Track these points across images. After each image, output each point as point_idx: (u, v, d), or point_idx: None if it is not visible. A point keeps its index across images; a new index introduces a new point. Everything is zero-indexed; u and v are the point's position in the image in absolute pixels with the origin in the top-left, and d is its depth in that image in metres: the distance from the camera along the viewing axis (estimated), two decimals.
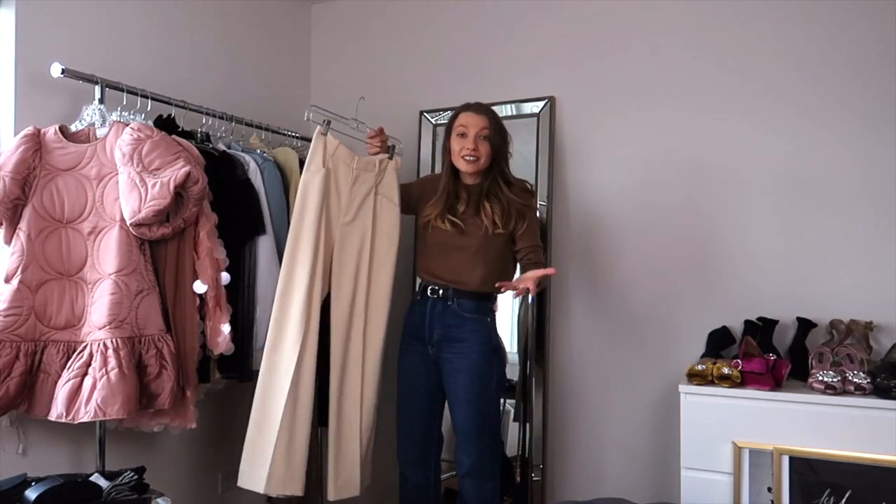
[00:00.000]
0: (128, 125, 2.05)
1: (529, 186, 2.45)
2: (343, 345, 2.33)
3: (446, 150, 2.39)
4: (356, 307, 2.35)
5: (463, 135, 2.33)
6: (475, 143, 2.31)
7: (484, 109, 2.38)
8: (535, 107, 2.87)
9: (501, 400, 2.55)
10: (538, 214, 2.53)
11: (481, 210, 2.31)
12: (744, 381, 2.21)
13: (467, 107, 2.39)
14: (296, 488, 2.21)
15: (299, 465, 2.21)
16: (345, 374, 2.34)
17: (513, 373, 2.82)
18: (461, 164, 2.33)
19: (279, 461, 2.18)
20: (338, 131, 2.41)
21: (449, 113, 2.93)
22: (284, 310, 2.23)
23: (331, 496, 2.33)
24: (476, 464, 2.31)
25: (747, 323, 2.47)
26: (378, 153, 2.44)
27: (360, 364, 2.36)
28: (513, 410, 2.81)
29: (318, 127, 2.33)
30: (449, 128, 2.39)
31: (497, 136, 2.34)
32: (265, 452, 2.18)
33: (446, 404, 2.40)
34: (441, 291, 2.34)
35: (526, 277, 2.19)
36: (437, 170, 2.94)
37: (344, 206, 2.34)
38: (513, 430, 2.79)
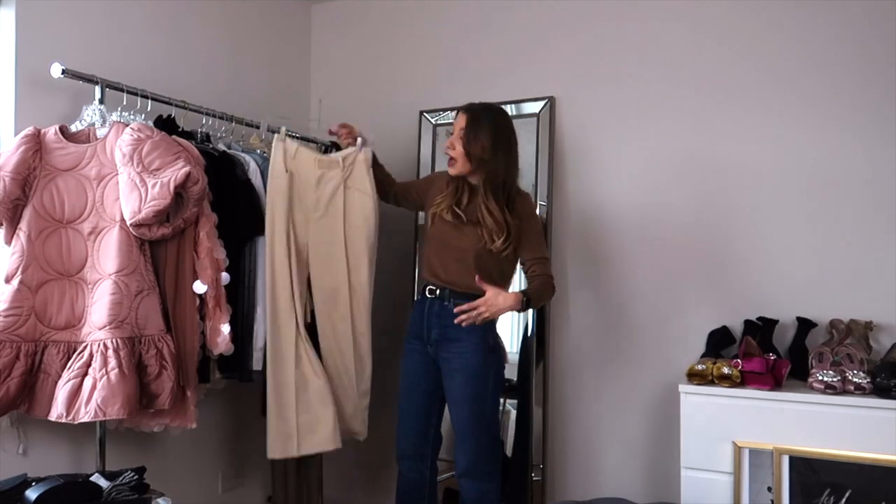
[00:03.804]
0: (128, 125, 2.05)
1: (527, 199, 2.41)
2: (330, 325, 2.50)
3: None
4: (339, 292, 2.50)
5: (451, 133, 2.37)
6: (451, 141, 2.34)
7: (468, 108, 2.33)
8: (535, 107, 2.87)
9: (501, 400, 2.54)
10: (539, 216, 2.53)
11: (480, 222, 2.27)
12: (744, 380, 2.21)
13: (462, 107, 2.38)
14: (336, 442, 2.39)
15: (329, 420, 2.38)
16: (336, 338, 2.52)
17: (512, 373, 2.83)
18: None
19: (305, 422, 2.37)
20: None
21: (449, 113, 2.94)
22: (275, 304, 2.37)
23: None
24: (472, 463, 2.31)
25: (747, 323, 2.47)
26: (349, 146, 2.57)
27: (350, 326, 2.52)
28: (514, 411, 2.82)
29: (276, 135, 2.47)
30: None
31: (476, 134, 2.27)
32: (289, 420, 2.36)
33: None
34: (438, 291, 2.34)
35: (490, 305, 2.19)
36: (438, 169, 2.95)
37: (312, 204, 2.48)
38: (512, 430, 2.80)
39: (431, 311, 2.35)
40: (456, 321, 2.20)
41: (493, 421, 2.39)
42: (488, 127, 2.29)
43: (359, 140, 2.55)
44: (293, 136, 2.84)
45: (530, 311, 2.76)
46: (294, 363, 2.36)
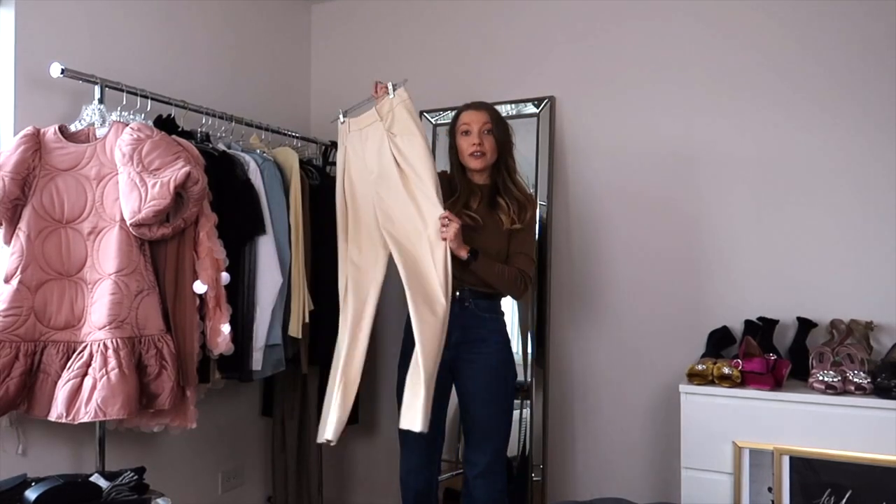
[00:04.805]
0: (127, 125, 2.05)
1: (531, 196, 2.46)
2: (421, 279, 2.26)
3: (453, 151, 2.41)
4: (420, 242, 2.28)
5: (467, 132, 2.35)
6: (480, 138, 2.33)
7: (484, 106, 2.40)
8: (535, 107, 2.87)
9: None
10: (538, 217, 2.52)
11: (497, 207, 2.33)
12: (744, 380, 2.21)
13: (467, 106, 2.41)
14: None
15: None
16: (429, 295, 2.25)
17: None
18: (470, 162, 2.36)
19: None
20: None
21: (449, 113, 2.94)
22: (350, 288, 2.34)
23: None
24: (490, 464, 2.30)
25: (747, 323, 2.47)
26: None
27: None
28: (519, 411, 2.81)
29: (339, 120, 2.48)
30: (452, 129, 2.41)
31: (499, 129, 2.37)
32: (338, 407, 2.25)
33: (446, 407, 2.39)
34: (458, 293, 2.30)
35: (454, 230, 2.18)
36: (438, 169, 2.94)
37: (368, 165, 2.39)
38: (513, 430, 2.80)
39: (451, 314, 2.25)
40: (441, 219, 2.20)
41: (510, 419, 2.41)
42: (500, 117, 2.42)
43: (389, 86, 2.36)
44: (293, 137, 2.85)
45: (531, 312, 2.77)
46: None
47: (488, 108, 2.40)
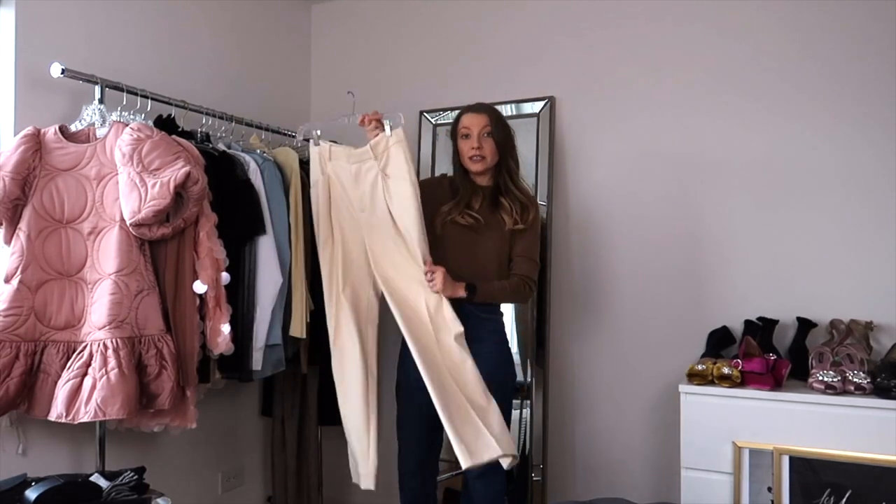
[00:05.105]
0: (128, 125, 2.05)
1: (534, 198, 2.44)
2: (417, 330, 2.24)
3: (455, 154, 2.40)
4: (411, 284, 2.27)
5: (467, 136, 2.34)
6: (479, 141, 2.32)
7: (483, 108, 2.39)
8: (535, 107, 2.87)
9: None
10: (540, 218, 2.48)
11: (499, 208, 2.32)
12: (744, 380, 2.21)
13: (467, 108, 2.40)
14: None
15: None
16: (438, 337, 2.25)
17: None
18: (470, 165, 2.35)
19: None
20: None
21: (449, 113, 2.94)
22: (334, 314, 2.30)
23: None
24: (490, 464, 2.30)
25: (747, 323, 2.47)
26: (377, 136, 2.39)
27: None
28: (519, 411, 2.81)
29: (311, 141, 2.39)
30: (453, 132, 2.40)
31: (499, 131, 2.35)
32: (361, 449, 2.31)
33: None
34: None
35: (442, 282, 2.20)
36: (438, 170, 2.95)
37: (356, 201, 2.34)
38: (513, 429, 2.80)
39: None
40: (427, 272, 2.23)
41: (509, 422, 2.39)
42: (501, 119, 2.39)
43: (385, 123, 2.35)
44: (293, 137, 2.85)
45: (531, 312, 2.77)
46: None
47: (488, 111, 2.38)
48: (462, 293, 2.23)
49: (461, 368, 2.18)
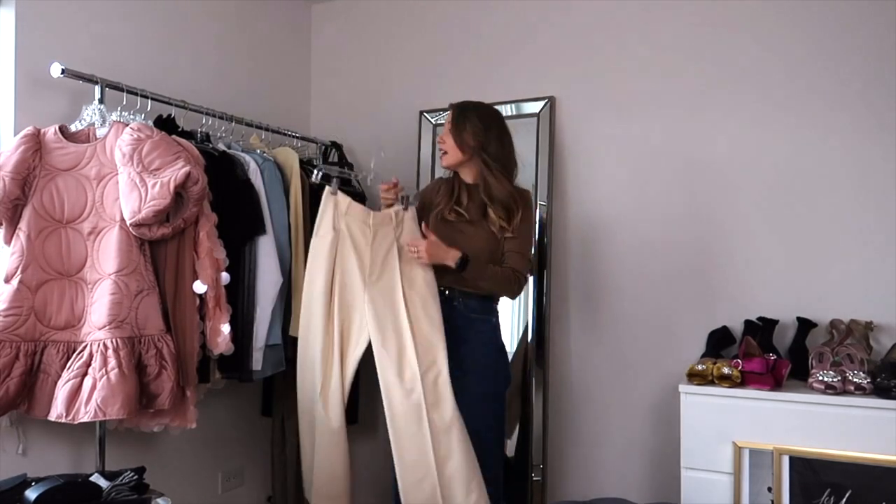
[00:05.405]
0: (128, 125, 2.05)
1: (527, 195, 2.38)
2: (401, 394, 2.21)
3: None
4: (406, 355, 2.22)
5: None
6: (442, 137, 2.35)
7: (453, 104, 2.38)
8: (535, 107, 2.87)
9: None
10: (536, 217, 2.47)
11: (488, 214, 2.29)
12: (744, 380, 2.21)
13: (449, 106, 2.41)
14: None
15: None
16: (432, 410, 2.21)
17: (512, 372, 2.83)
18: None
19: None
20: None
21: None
22: (303, 370, 2.26)
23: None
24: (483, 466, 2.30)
25: (747, 323, 2.47)
26: (392, 205, 2.36)
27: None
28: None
29: (327, 188, 2.28)
30: None
31: (460, 126, 2.30)
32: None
33: None
34: (447, 292, 2.32)
35: (429, 250, 2.20)
36: (438, 170, 2.95)
37: (367, 264, 2.27)
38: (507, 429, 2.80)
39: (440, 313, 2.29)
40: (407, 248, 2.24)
41: (501, 422, 2.39)
42: (475, 114, 2.34)
43: (410, 196, 2.38)
44: (293, 137, 2.85)
45: (531, 312, 2.77)
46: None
47: (455, 106, 2.37)
48: (451, 261, 2.20)
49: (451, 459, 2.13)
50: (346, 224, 2.27)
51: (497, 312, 2.39)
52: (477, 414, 2.28)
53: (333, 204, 2.27)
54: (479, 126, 2.31)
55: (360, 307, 2.25)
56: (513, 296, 2.36)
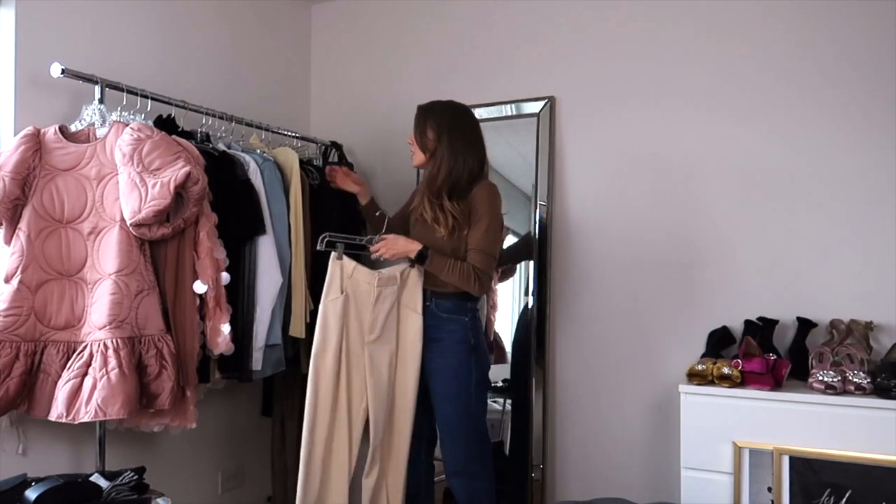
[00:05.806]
0: (128, 125, 2.05)
1: (486, 191, 2.35)
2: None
3: None
4: (392, 416, 2.38)
5: None
6: (410, 137, 2.41)
7: (418, 106, 2.41)
8: (535, 107, 2.87)
9: (487, 398, 2.47)
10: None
11: (445, 211, 2.29)
12: (744, 380, 2.21)
13: None
14: None
15: None
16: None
17: (510, 372, 2.83)
18: None
19: None
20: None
21: None
22: (311, 443, 2.26)
23: None
24: (461, 462, 2.32)
25: (747, 323, 2.47)
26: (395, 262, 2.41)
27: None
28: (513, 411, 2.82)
29: (333, 253, 2.30)
30: None
31: (421, 124, 2.37)
32: None
33: None
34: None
35: (389, 244, 2.30)
36: None
37: (368, 324, 2.32)
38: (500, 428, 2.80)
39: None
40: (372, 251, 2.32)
41: (479, 419, 2.39)
42: (433, 119, 2.36)
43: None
44: (293, 137, 2.85)
45: (530, 311, 2.77)
46: None
47: (419, 107, 2.41)
48: (413, 252, 2.27)
49: None
50: (352, 287, 2.30)
51: (472, 312, 2.37)
52: (448, 414, 2.33)
53: (339, 268, 2.30)
54: (439, 126, 2.34)
55: (361, 366, 2.32)
56: (475, 291, 2.31)
